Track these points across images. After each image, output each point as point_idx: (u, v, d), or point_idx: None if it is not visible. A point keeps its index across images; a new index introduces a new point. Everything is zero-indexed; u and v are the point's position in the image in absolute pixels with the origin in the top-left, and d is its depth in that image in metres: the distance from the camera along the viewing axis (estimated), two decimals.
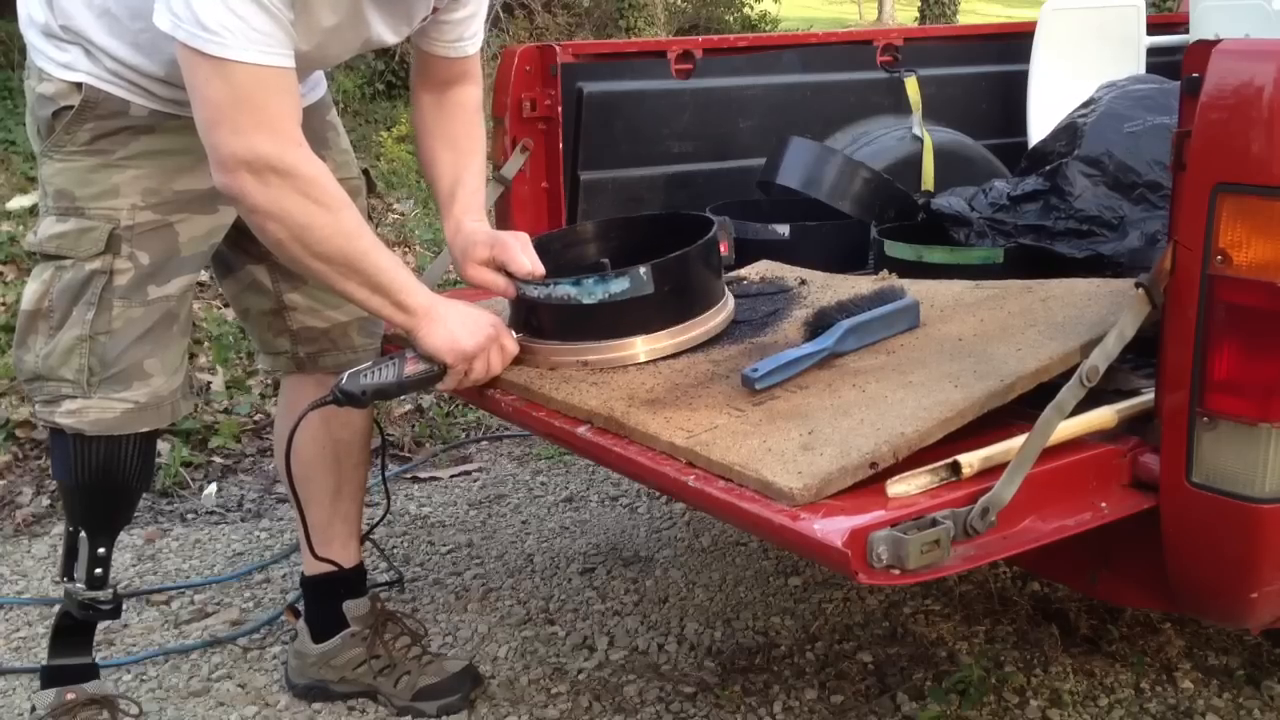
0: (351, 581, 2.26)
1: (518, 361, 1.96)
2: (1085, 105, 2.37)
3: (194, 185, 1.89)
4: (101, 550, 1.99)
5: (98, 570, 1.99)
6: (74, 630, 2.07)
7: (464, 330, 1.82)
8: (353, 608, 2.23)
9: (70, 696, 2.03)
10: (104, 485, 1.96)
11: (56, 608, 2.09)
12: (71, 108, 1.84)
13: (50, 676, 2.07)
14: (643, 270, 1.91)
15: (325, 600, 2.23)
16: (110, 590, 2.02)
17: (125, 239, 1.87)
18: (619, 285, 1.92)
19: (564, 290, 1.91)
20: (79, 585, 1.99)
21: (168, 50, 1.69)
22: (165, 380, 1.95)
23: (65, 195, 1.87)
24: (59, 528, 3.00)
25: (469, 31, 2.00)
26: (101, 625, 2.52)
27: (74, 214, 1.86)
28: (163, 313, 1.94)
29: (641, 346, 1.92)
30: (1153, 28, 3.38)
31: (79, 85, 1.83)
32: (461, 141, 2.06)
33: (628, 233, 2.16)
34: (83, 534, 1.97)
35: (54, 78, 1.85)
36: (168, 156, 1.88)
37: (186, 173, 1.89)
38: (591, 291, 1.90)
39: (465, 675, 2.25)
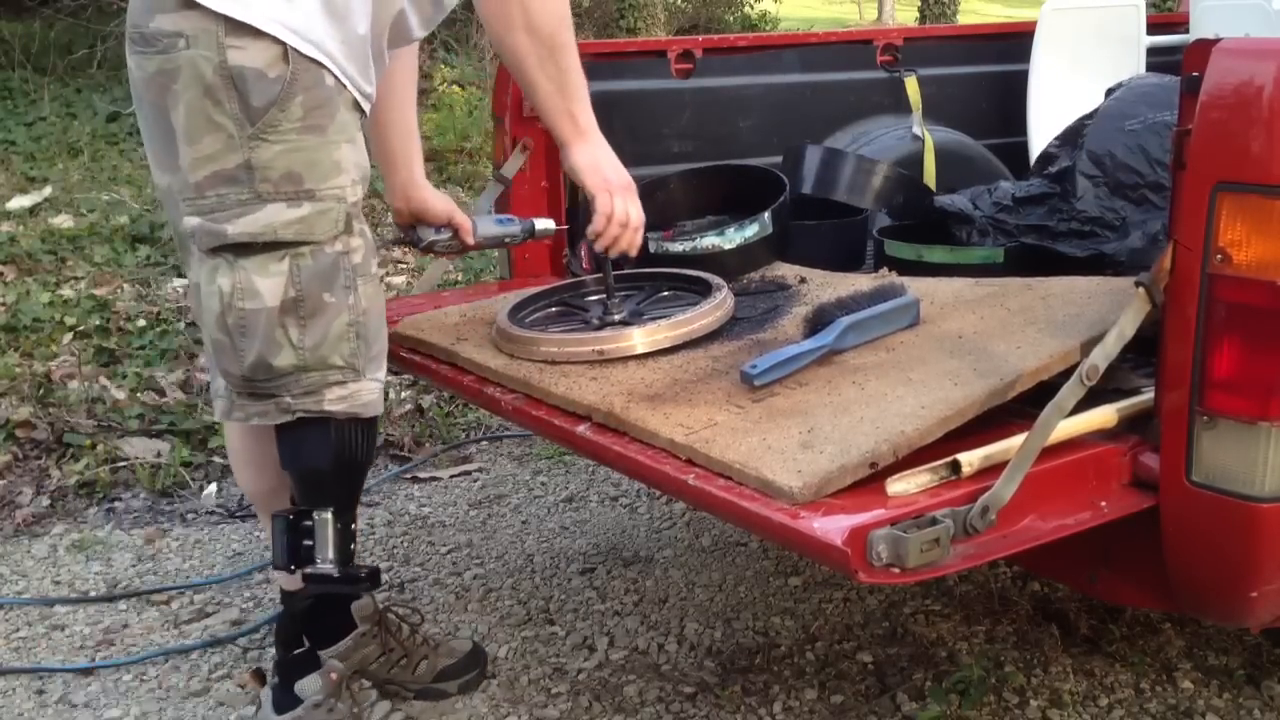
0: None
1: (519, 355, 1.97)
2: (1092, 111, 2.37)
3: (364, 157, 1.88)
4: (353, 527, 2.01)
5: (351, 546, 2.00)
6: (318, 612, 2.09)
7: (612, 163, 2.01)
8: (359, 608, 2.22)
9: (333, 677, 2.05)
10: (364, 462, 1.99)
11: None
12: (274, 79, 1.74)
13: (301, 664, 2.07)
14: (766, 215, 2.24)
15: (329, 607, 2.22)
16: (361, 565, 2.04)
17: (353, 215, 1.85)
18: (753, 229, 2.24)
19: (710, 240, 2.23)
20: (329, 566, 1.97)
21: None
22: (385, 355, 1.98)
23: (293, 179, 1.78)
24: (59, 527, 3.01)
25: None
26: (101, 625, 2.53)
27: (306, 198, 1.79)
28: (378, 287, 1.93)
29: (640, 338, 1.93)
30: (1153, 27, 3.38)
31: (284, 53, 1.74)
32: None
33: (687, 185, 2.56)
34: (325, 516, 1.95)
35: (261, 35, 1.72)
36: (353, 129, 1.86)
37: (361, 146, 1.88)
38: (732, 238, 2.21)
39: (477, 653, 2.30)
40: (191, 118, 1.76)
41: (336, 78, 1.81)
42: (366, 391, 1.91)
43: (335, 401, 1.88)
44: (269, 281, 1.80)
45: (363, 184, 1.88)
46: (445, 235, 2.25)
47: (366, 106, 1.91)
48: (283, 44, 1.74)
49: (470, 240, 2.25)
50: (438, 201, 2.26)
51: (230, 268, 1.80)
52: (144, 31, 1.77)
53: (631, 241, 2.05)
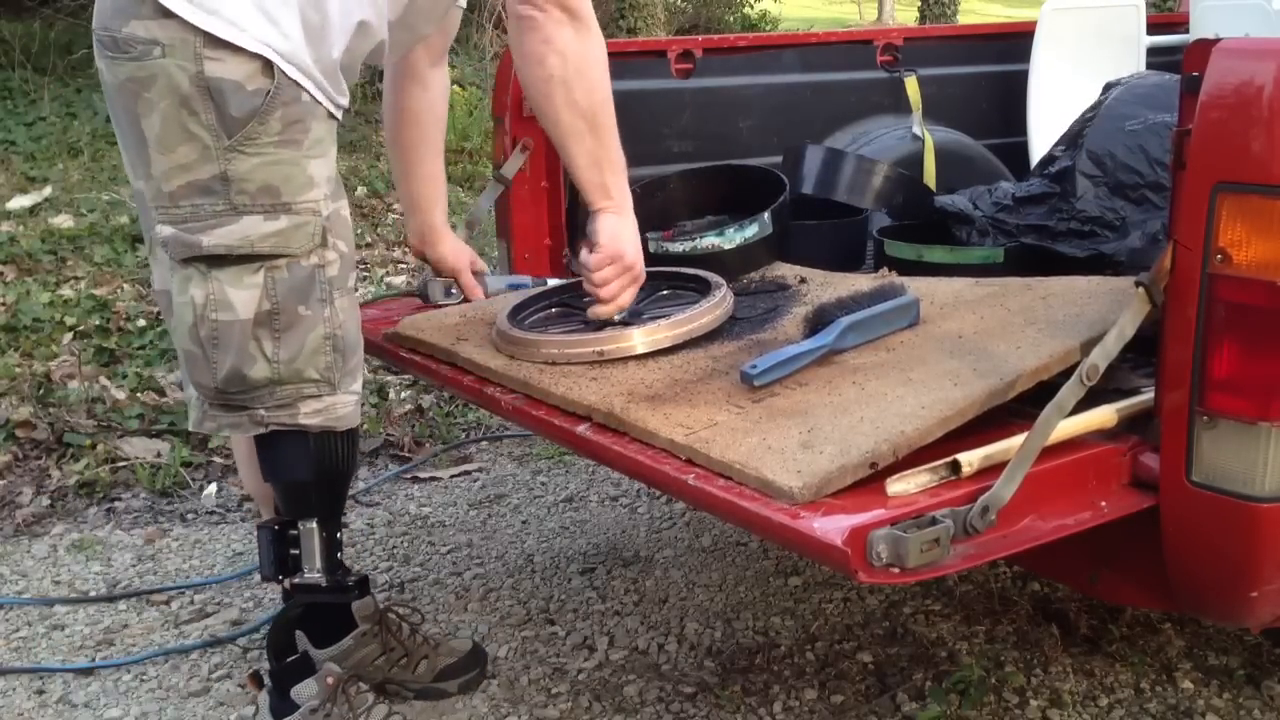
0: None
1: (520, 356, 1.97)
2: (1091, 107, 2.37)
3: (332, 170, 1.90)
4: (339, 535, 2.02)
5: (338, 555, 2.02)
6: (318, 614, 2.09)
7: (632, 240, 1.99)
8: (360, 607, 2.23)
9: (330, 681, 2.06)
10: (346, 472, 2.00)
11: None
12: (253, 91, 1.74)
13: (297, 670, 2.08)
14: (766, 215, 2.22)
15: (328, 608, 2.22)
16: (350, 571, 2.06)
17: (328, 229, 1.85)
18: (753, 229, 2.22)
19: (710, 240, 2.22)
20: (316, 575, 1.99)
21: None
22: (362, 368, 1.99)
23: (270, 192, 1.79)
24: (59, 527, 3.01)
25: None
26: (101, 625, 2.53)
27: (283, 211, 1.80)
28: (353, 300, 1.95)
29: (640, 338, 1.93)
30: (1153, 27, 3.38)
31: (269, 67, 1.75)
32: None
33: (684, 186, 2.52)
34: (310, 526, 1.97)
35: (239, 49, 1.72)
36: (325, 144, 1.87)
37: (331, 159, 1.89)
38: (732, 238, 2.18)
39: (477, 652, 2.30)
40: (166, 127, 1.75)
41: (313, 95, 1.82)
42: (342, 405, 1.91)
43: (310, 415, 1.89)
44: (243, 294, 1.80)
45: (334, 198, 1.87)
46: (454, 299, 2.36)
47: (339, 114, 1.92)
48: (264, 58, 1.75)
49: (482, 298, 2.32)
50: (451, 256, 2.34)
51: (203, 278, 1.80)
52: (115, 36, 1.75)
53: (598, 312, 2.00)
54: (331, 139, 1.89)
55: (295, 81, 1.78)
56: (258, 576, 2.73)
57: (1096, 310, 1.79)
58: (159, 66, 1.73)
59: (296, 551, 1.98)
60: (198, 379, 1.87)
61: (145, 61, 1.73)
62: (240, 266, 1.79)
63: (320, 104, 1.84)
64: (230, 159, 1.76)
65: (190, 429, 2.04)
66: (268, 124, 1.76)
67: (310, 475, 1.94)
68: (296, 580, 2.01)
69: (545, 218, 2.63)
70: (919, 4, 18.31)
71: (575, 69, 1.87)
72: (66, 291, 4.51)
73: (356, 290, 1.98)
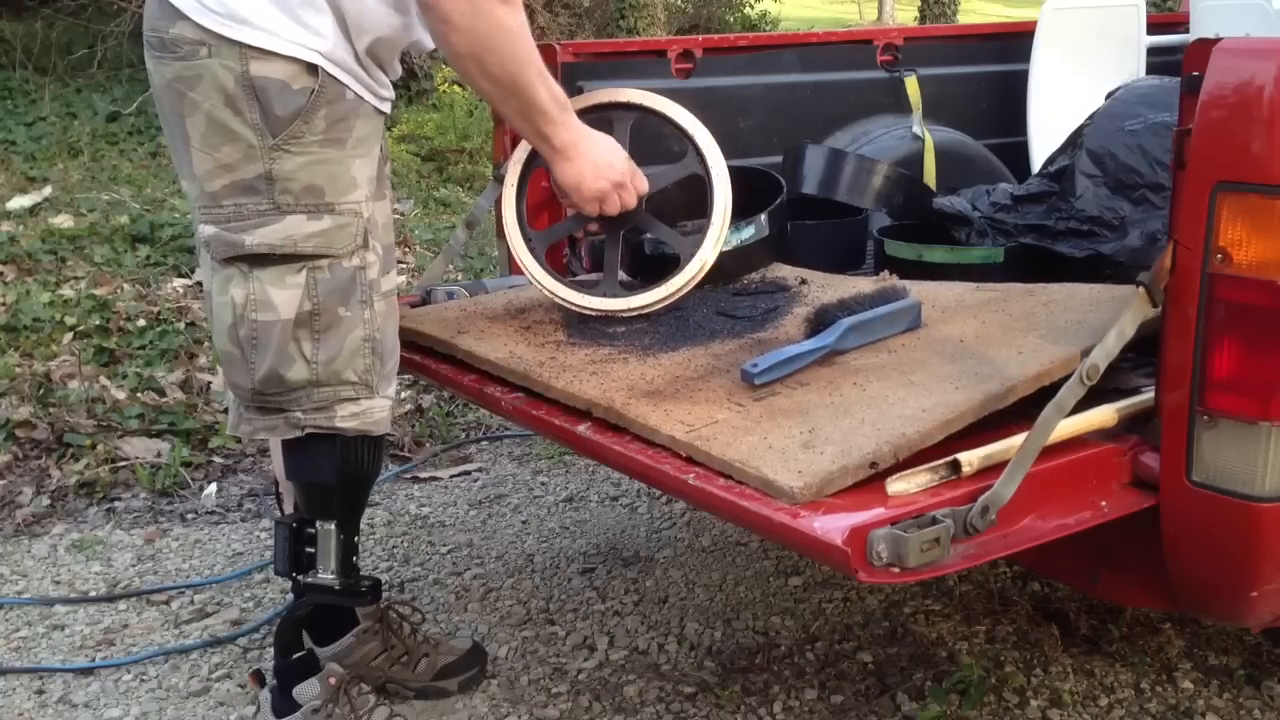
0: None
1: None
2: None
3: (374, 170, 1.89)
4: (356, 539, 2.03)
5: (354, 559, 2.02)
6: (320, 610, 2.11)
7: (592, 174, 1.98)
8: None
9: (332, 681, 2.07)
10: (368, 479, 2.01)
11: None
12: (298, 90, 1.75)
13: (300, 669, 2.09)
14: (763, 217, 2.19)
15: (331, 605, 2.23)
16: (364, 576, 2.07)
17: (369, 231, 1.85)
18: (748, 232, 2.17)
19: None
20: (330, 577, 1.99)
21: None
22: (396, 373, 2.00)
23: (314, 192, 1.79)
24: (59, 527, 3.01)
25: None
26: (101, 625, 2.53)
27: (326, 211, 1.80)
28: (392, 304, 1.95)
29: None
30: (1153, 27, 3.38)
31: (313, 67, 1.76)
32: None
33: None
34: (329, 527, 1.97)
35: (279, 55, 1.74)
36: (370, 142, 1.86)
37: (374, 158, 1.89)
38: (729, 241, 2.10)
39: (477, 651, 2.31)
40: (210, 126, 1.76)
41: (356, 93, 1.82)
42: (378, 409, 1.92)
43: (347, 418, 1.89)
44: (284, 294, 1.80)
45: (375, 198, 1.88)
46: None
47: (387, 108, 1.92)
48: (306, 60, 1.76)
49: None
50: None
51: (244, 278, 1.80)
52: (163, 37, 1.77)
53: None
54: (376, 136, 1.89)
55: (337, 79, 1.79)
56: (258, 576, 2.74)
57: (1099, 318, 1.79)
58: (205, 66, 1.74)
59: (312, 550, 1.99)
60: (235, 380, 1.88)
61: (191, 61, 1.75)
62: (282, 266, 1.80)
63: (364, 100, 1.84)
64: (275, 158, 1.77)
65: (228, 431, 2.05)
66: (312, 122, 1.77)
67: (334, 479, 1.94)
68: (309, 579, 2.01)
69: (545, 217, 2.62)
70: (919, 4, 18.31)
71: (481, 43, 1.80)
72: (66, 291, 4.50)
73: (397, 293, 1.98)
